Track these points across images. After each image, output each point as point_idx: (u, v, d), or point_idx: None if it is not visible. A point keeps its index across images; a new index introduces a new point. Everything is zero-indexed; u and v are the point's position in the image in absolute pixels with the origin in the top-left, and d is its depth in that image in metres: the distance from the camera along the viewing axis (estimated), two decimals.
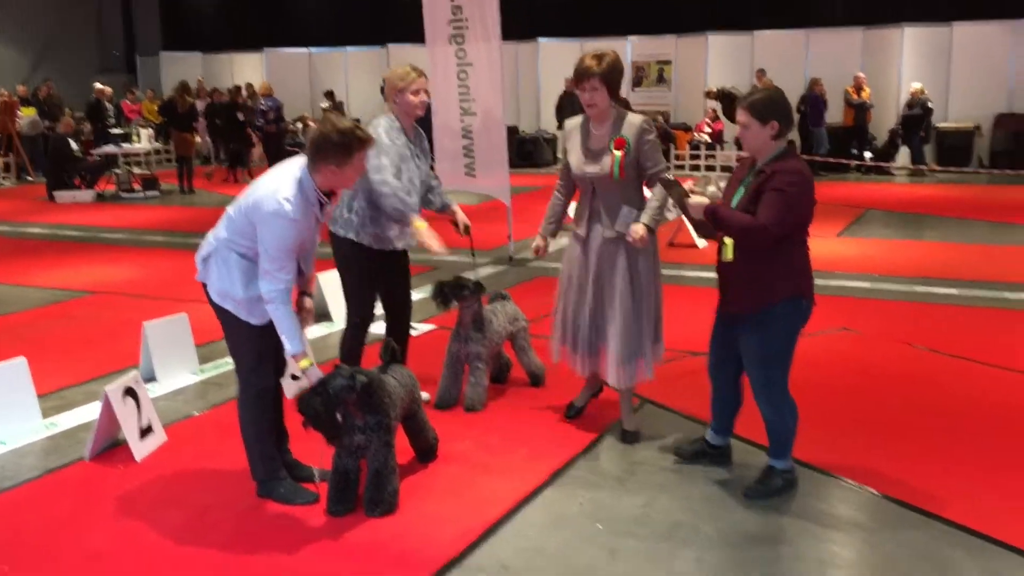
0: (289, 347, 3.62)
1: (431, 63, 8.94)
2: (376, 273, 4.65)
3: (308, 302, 4.00)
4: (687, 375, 5.26)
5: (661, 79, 19.89)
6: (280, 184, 3.58)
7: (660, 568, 3.34)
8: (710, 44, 18.84)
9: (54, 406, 4.98)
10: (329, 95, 19.76)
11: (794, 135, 12.17)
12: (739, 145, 17.32)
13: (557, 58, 19.64)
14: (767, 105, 3.67)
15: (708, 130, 17.63)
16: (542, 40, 20.23)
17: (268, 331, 3.70)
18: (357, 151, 3.59)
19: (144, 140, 16.17)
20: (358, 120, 4.74)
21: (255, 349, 3.81)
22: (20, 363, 4.74)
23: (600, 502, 3.87)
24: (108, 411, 4.31)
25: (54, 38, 23.65)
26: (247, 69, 22.23)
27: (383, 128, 4.50)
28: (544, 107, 19.85)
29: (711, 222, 3.72)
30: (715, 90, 17.53)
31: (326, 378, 3.59)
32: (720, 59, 18.77)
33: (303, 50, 22.18)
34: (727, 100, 17.32)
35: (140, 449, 4.38)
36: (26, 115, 17.66)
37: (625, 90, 18.54)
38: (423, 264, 7.65)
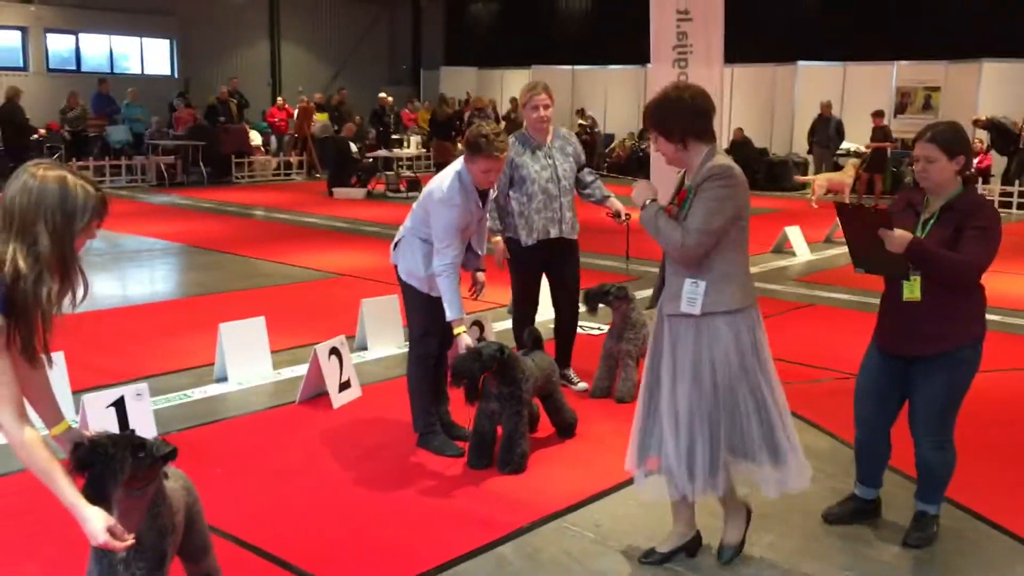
0: (448, 313, 4.37)
1: (652, 83, 9.48)
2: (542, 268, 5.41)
3: (480, 276, 4.83)
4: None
5: (927, 106, 19.05)
6: (445, 178, 4.38)
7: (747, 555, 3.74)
8: (984, 71, 17.81)
9: (283, 360, 6.09)
10: (580, 113, 20.76)
11: None
12: (1003, 179, 16.36)
13: (815, 81, 19.41)
14: (954, 138, 3.50)
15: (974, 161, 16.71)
16: (801, 64, 20.03)
17: (439, 306, 4.47)
18: (479, 155, 4.27)
19: (412, 146, 17.93)
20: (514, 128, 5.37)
21: (426, 320, 4.61)
22: (259, 322, 5.90)
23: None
24: (316, 366, 5.31)
25: (354, 52, 26.53)
26: (515, 83, 23.78)
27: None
28: (797, 130, 19.65)
29: (913, 258, 3.42)
30: (984, 119, 16.59)
31: (481, 346, 4.32)
32: (995, 86, 17.68)
33: (567, 67, 23.38)
34: (996, 131, 16.38)
35: (337, 399, 5.34)
36: (320, 120, 20.09)
37: (887, 116, 18.05)
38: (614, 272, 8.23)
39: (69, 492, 2.29)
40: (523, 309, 5.50)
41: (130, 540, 2.39)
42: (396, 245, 4.72)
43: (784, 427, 3.39)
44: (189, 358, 6.14)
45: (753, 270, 3.91)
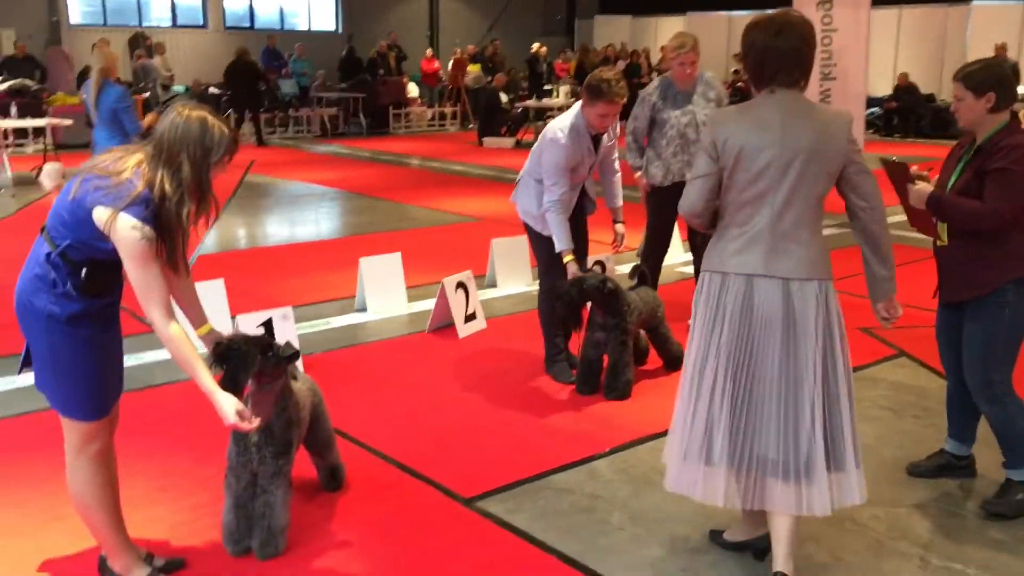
0: (557, 245, 4.67)
1: None
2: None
3: (620, 227, 5.06)
4: None
5: None
6: (561, 120, 4.64)
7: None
8: None
9: (417, 294, 6.56)
10: (737, 57, 20.30)
11: None
12: None
13: (990, 22, 18.25)
14: (984, 76, 3.41)
15: None
16: (976, 3, 18.84)
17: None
18: (600, 100, 4.48)
19: (561, 96, 18.13)
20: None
21: (548, 255, 4.93)
22: (395, 258, 6.39)
23: None
24: (443, 298, 5.74)
25: (509, 4, 26.80)
26: (669, 31, 23.42)
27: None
28: None
29: (934, 211, 3.49)
30: None
31: (584, 276, 4.61)
32: None
33: (723, 14, 22.86)
34: None
35: (463, 329, 5.76)
36: (473, 71, 20.58)
37: None
38: None
39: (207, 380, 2.76)
40: (652, 248, 5.75)
41: (256, 424, 2.85)
42: (516, 186, 5.05)
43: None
44: (334, 290, 6.73)
45: None
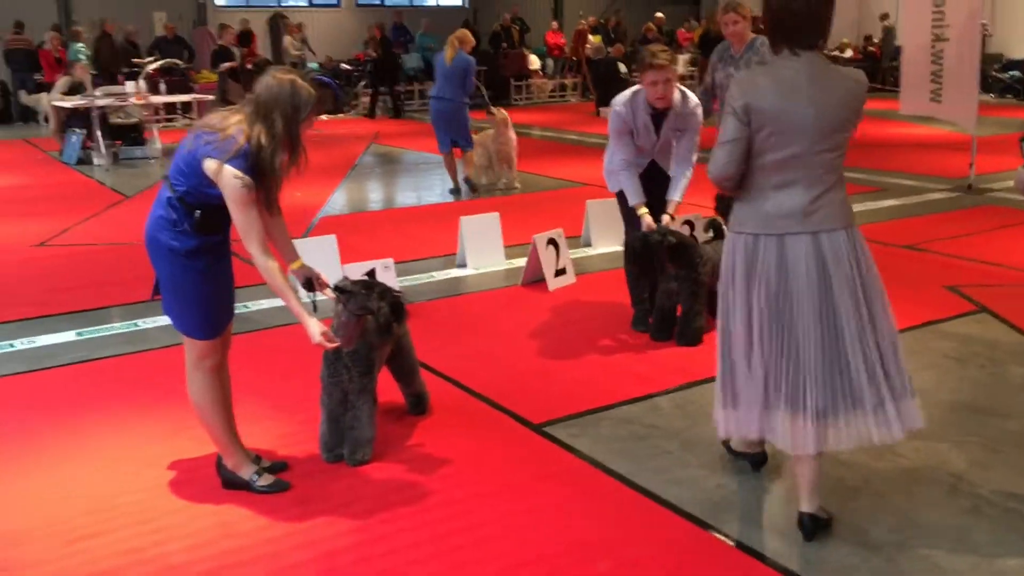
0: (630, 199, 4.99)
1: None
2: None
3: (665, 217, 5.01)
4: None
5: None
6: (626, 92, 4.94)
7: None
8: None
9: (515, 253, 6.98)
10: (884, 17, 19.97)
11: None
12: None
13: None
14: None
15: None
16: None
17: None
18: (647, 69, 4.75)
19: (680, 65, 18.14)
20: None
21: (624, 211, 5.24)
22: (494, 217, 6.83)
23: None
24: (535, 253, 6.14)
25: None
26: None
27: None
28: None
29: None
30: None
31: (649, 232, 4.92)
32: None
33: None
34: None
35: (552, 283, 6.16)
36: (594, 42, 20.75)
37: None
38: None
39: (297, 306, 3.26)
40: (726, 202, 5.96)
41: (338, 343, 3.34)
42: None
43: None
44: (438, 247, 7.23)
45: None
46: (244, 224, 3.16)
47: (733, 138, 3.04)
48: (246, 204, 3.14)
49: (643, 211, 4.98)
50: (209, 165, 3.12)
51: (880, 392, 3.01)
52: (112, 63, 16.96)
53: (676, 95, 4.92)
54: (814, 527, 3.14)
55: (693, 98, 4.98)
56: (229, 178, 3.10)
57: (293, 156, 3.20)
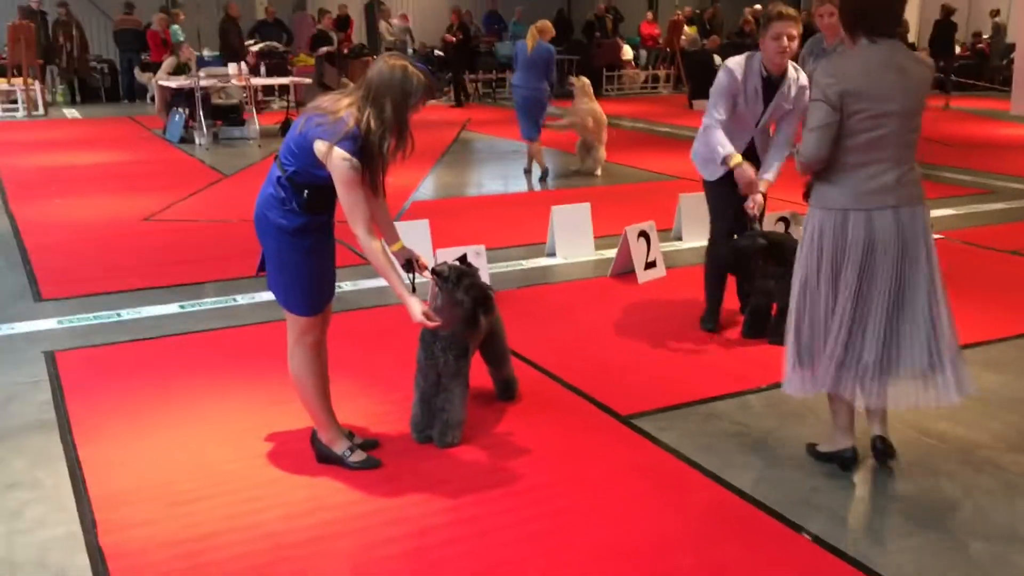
0: (721, 152, 4.71)
1: None
2: None
3: (758, 196, 4.87)
4: None
5: None
6: (741, 56, 4.82)
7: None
8: None
9: (605, 244, 6.98)
10: (994, 13, 19.30)
11: None
12: None
13: None
14: None
15: None
16: None
17: (721, 193, 5.00)
18: (772, 21, 4.59)
19: None
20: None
21: (712, 206, 5.19)
22: (584, 207, 6.84)
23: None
24: (625, 245, 6.13)
25: None
26: None
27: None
28: None
29: None
30: None
31: (738, 239, 4.86)
32: None
33: None
34: None
35: (642, 275, 6.14)
36: (690, 33, 20.52)
37: None
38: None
39: (400, 285, 3.33)
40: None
41: (438, 323, 3.41)
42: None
43: None
44: (529, 236, 7.26)
45: None
46: (350, 205, 3.24)
47: (825, 123, 3.28)
48: (353, 185, 3.22)
49: (736, 160, 4.68)
50: (319, 146, 3.20)
51: (942, 358, 3.33)
52: (236, 46, 17.30)
53: (790, 68, 4.78)
54: (884, 448, 3.53)
55: (804, 76, 4.80)
56: (337, 160, 3.18)
57: (400, 141, 3.26)
